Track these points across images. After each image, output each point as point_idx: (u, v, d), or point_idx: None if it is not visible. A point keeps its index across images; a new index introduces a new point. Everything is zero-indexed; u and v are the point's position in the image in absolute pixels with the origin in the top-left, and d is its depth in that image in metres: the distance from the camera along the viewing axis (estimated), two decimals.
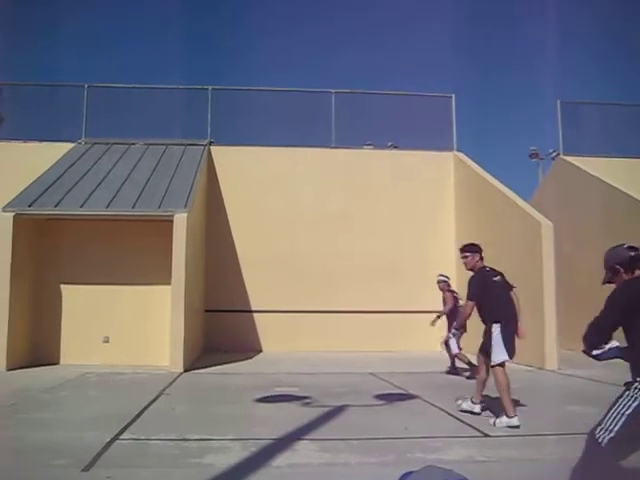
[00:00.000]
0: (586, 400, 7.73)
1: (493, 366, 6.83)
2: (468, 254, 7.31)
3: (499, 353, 6.76)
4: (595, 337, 3.66)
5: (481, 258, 7.30)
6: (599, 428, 3.50)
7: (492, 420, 6.73)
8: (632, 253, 3.83)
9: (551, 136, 18.34)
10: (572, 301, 13.48)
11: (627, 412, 3.43)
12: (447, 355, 11.26)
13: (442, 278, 11.56)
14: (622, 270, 3.80)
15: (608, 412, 3.52)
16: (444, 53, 51.91)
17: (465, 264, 7.35)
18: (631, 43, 41.53)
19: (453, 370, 11.16)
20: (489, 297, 6.99)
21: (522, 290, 12.15)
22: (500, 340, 6.78)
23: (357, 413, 7.47)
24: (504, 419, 6.57)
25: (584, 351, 3.73)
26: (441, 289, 11.49)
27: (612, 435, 3.42)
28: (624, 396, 3.50)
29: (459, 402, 7.51)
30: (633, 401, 3.44)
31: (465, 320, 7.60)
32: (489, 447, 5.74)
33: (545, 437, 6.20)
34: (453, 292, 11.39)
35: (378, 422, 6.96)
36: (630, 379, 3.55)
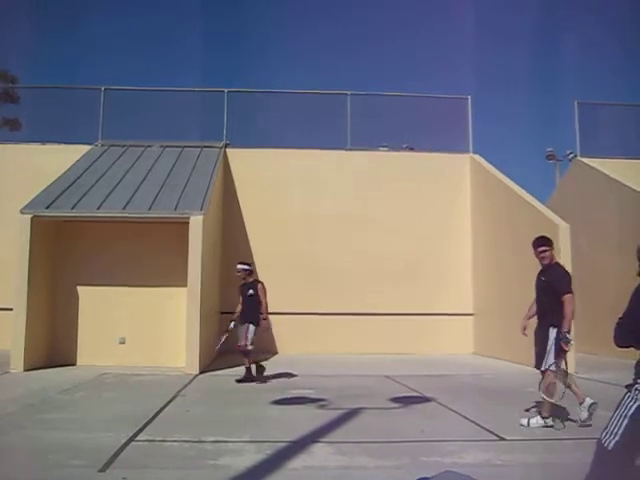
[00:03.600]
0: (603, 404, 7.62)
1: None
2: (547, 247, 6.96)
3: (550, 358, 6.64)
4: (623, 339, 3.52)
5: None
6: (604, 432, 3.46)
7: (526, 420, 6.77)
8: None
9: (568, 137, 18.20)
10: (589, 303, 13.35)
11: (629, 414, 3.38)
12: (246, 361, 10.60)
13: (244, 267, 10.85)
14: None
15: (612, 416, 3.48)
16: (460, 54, 51.80)
17: (543, 258, 6.95)
18: None
19: (249, 376, 10.44)
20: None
21: None
22: (554, 345, 6.61)
23: (373, 416, 7.46)
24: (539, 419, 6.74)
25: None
26: (243, 279, 10.85)
27: (617, 439, 3.38)
28: (625, 398, 3.46)
29: (524, 421, 6.82)
30: (634, 402, 3.39)
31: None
32: (505, 451, 5.70)
33: (562, 441, 6.15)
34: (259, 281, 10.93)
35: (394, 425, 6.95)
36: (631, 381, 3.50)
